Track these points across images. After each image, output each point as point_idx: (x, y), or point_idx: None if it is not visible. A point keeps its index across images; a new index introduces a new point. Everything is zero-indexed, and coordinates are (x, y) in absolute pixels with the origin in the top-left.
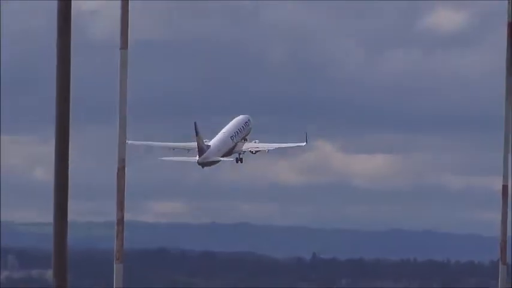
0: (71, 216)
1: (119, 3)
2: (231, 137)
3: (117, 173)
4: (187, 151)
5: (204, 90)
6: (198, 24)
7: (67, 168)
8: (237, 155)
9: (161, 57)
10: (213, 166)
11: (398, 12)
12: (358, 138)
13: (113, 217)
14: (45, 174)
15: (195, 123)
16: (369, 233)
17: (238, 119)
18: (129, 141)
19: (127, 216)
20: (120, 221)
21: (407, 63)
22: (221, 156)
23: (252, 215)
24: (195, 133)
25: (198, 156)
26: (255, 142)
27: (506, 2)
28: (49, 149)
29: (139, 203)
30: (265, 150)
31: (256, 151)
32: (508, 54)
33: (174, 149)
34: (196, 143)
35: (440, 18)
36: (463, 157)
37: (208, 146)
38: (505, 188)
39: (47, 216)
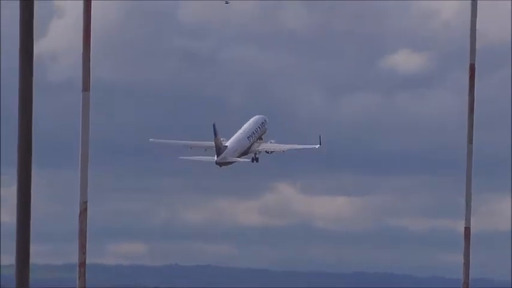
0: (31, 259)
1: (80, 45)
2: (247, 137)
3: (79, 215)
4: (205, 150)
5: (165, 132)
6: (158, 66)
7: (29, 211)
8: (252, 155)
9: (122, 100)
10: (227, 166)
11: (358, 54)
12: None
13: (73, 259)
14: (7, 216)
15: (213, 124)
16: (331, 275)
17: (255, 119)
18: (151, 139)
19: (88, 259)
20: (83, 263)
21: (368, 105)
22: (238, 156)
23: (213, 257)
24: (213, 134)
25: (216, 156)
26: (271, 142)
27: (468, 43)
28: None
29: (100, 245)
30: (280, 151)
31: (272, 151)
32: (470, 96)
33: (191, 148)
34: (214, 143)
35: (402, 60)
36: (426, 199)
37: (226, 147)
38: (467, 230)
39: (8, 259)
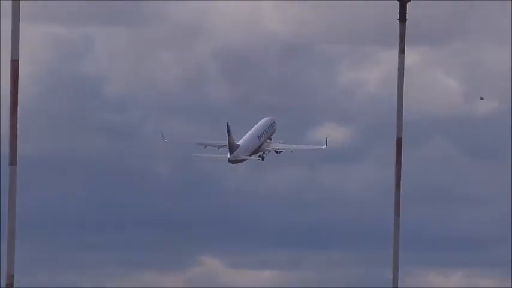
0: None
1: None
2: (258, 136)
3: None
4: (218, 148)
5: (91, 205)
6: (83, 139)
7: None
8: (261, 153)
9: (48, 173)
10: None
11: (284, 127)
12: (245, 253)
13: None
14: None
15: (227, 123)
16: None
17: (265, 120)
18: (166, 139)
19: None
20: None
21: (294, 178)
22: (249, 154)
23: None
24: (227, 133)
25: (229, 154)
26: (279, 142)
27: (395, 117)
28: None
29: None
30: (288, 151)
31: (281, 151)
32: (396, 170)
33: (205, 147)
34: (227, 142)
35: (327, 133)
36: (353, 273)
37: (238, 145)
38: None
39: None
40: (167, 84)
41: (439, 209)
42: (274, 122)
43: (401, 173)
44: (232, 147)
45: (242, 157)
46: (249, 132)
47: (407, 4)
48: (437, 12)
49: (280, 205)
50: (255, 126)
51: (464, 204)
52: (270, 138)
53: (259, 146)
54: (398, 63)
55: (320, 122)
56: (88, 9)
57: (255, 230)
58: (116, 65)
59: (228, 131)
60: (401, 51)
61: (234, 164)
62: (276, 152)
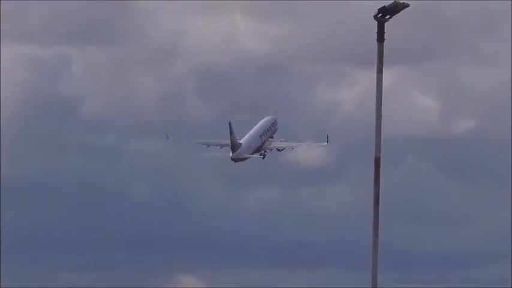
0: None
1: None
2: (260, 135)
3: None
4: (220, 147)
5: (69, 226)
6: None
7: None
8: (262, 152)
9: (25, 194)
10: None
11: None
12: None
13: None
14: None
15: (229, 123)
16: None
17: (266, 119)
18: (170, 138)
19: None
20: None
21: (271, 197)
22: (251, 153)
23: None
24: (229, 132)
25: (231, 152)
26: (281, 141)
27: (374, 137)
28: None
29: None
30: (290, 148)
31: (282, 149)
32: (375, 189)
33: (208, 146)
34: (229, 141)
35: (303, 153)
36: None
37: (240, 144)
38: None
39: None
40: (145, 103)
41: (417, 228)
42: (275, 121)
43: (380, 192)
44: (234, 146)
45: (245, 155)
46: (251, 131)
47: (385, 24)
48: (415, 32)
49: (258, 224)
50: (257, 126)
51: (443, 223)
52: (272, 137)
53: (261, 145)
54: (377, 83)
55: (297, 141)
56: (65, 29)
57: (231, 250)
58: (93, 85)
59: (230, 130)
60: (379, 71)
61: (237, 162)
62: (278, 150)
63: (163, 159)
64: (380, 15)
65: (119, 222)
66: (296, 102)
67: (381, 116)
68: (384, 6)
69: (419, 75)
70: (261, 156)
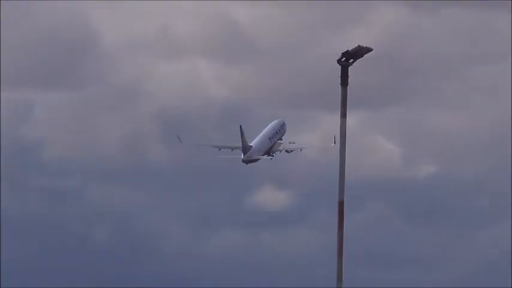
0: None
1: None
2: (269, 138)
3: None
4: (231, 150)
5: (30, 269)
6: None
7: None
8: (271, 153)
9: None
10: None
11: (224, 189)
12: None
13: None
14: None
15: (240, 126)
16: None
17: (275, 122)
18: (181, 142)
19: None
20: None
21: (235, 241)
22: (261, 155)
23: None
24: (240, 135)
25: (243, 155)
26: (290, 143)
27: (337, 180)
28: None
29: None
30: (299, 150)
31: (291, 150)
32: (339, 234)
33: (220, 149)
34: (240, 144)
35: (267, 197)
36: None
37: (251, 146)
38: None
39: None
40: (107, 147)
41: (381, 272)
42: (284, 123)
43: (344, 237)
44: (245, 149)
45: (255, 157)
46: (261, 134)
47: (349, 68)
48: (378, 76)
49: (219, 269)
50: (266, 129)
51: (407, 267)
52: (281, 139)
53: (271, 147)
54: (340, 127)
55: (260, 185)
56: (28, 73)
57: None
58: (55, 129)
59: (241, 133)
60: (343, 115)
61: (248, 164)
62: (287, 151)
63: (126, 202)
64: (344, 59)
65: (79, 267)
66: None
67: (345, 160)
68: (347, 51)
69: (382, 119)
70: (271, 158)
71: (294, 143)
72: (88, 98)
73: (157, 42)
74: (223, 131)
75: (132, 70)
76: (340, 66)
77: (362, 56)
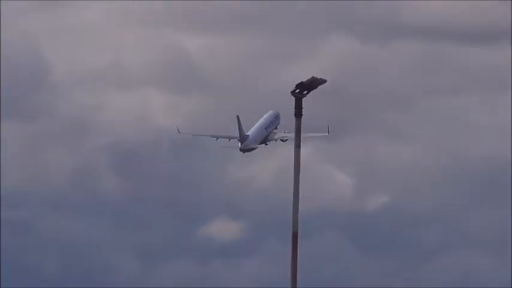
0: None
1: None
2: (265, 128)
3: None
4: (228, 140)
5: None
6: None
7: None
8: (267, 142)
9: None
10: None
11: (175, 221)
12: None
13: None
14: None
15: (237, 116)
16: None
17: (270, 113)
18: (180, 132)
19: None
20: None
21: (185, 273)
22: (258, 144)
23: None
24: (238, 125)
25: (240, 144)
26: (284, 132)
27: (290, 211)
28: None
29: None
30: (293, 139)
31: (286, 139)
32: (292, 265)
33: (217, 139)
34: (238, 134)
35: (220, 227)
36: None
37: (248, 136)
38: None
39: None
40: (59, 179)
41: None
42: (278, 114)
43: (297, 269)
44: (242, 138)
45: (252, 146)
46: (257, 124)
47: (303, 99)
48: (331, 107)
49: None
50: (261, 119)
51: None
52: (276, 128)
53: (267, 136)
54: (294, 157)
55: (212, 216)
56: None
57: None
58: (5, 160)
59: (239, 123)
60: (297, 146)
61: (245, 153)
62: (282, 140)
63: (77, 234)
64: (297, 90)
65: None
66: (211, 178)
67: (299, 191)
68: (301, 82)
69: (335, 150)
70: (265, 145)
71: (288, 132)
72: (39, 129)
73: (108, 73)
74: (176, 163)
75: (83, 101)
76: (294, 98)
77: (316, 87)
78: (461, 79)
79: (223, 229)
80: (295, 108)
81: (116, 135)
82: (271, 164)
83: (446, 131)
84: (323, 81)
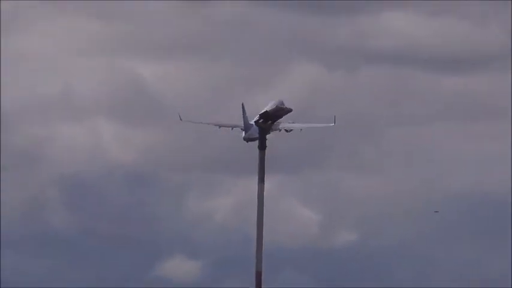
0: None
1: None
2: None
3: None
4: (231, 129)
5: None
6: None
7: None
8: (271, 132)
9: None
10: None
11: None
12: None
13: None
14: None
15: (242, 104)
16: None
17: (274, 103)
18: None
19: None
20: None
21: None
22: None
23: None
24: (242, 113)
25: (244, 133)
26: (289, 122)
27: (252, 249)
28: None
29: None
30: (298, 130)
31: (291, 130)
32: None
33: (220, 127)
34: (241, 123)
35: (178, 266)
36: None
37: (252, 125)
38: None
39: None
40: (7, 212)
41: None
42: (282, 103)
43: None
44: (246, 127)
45: (256, 135)
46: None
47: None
48: (296, 141)
49: None
50: (266, 108)
51: None
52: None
53: (271, 126)
54: (258, 193)
55: (169, 254)
56: None
57: None
58: None
59: (243, 111)
60: (261, 181)
61: (249, 142)
62: (286, 131)
63: (25, 268)
64: (261, 120)
65: None
66: (166, 213)
67: (262, 228)
68: (266, 111)
69: (300, 184)
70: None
71: (293, 122)
72: None
73: (59, 103)
74: (128, 196)
75: (33, 132)
76: (257, 128)
77: (281, 117)
78: (432, 107)
79: (180, 268)
80: (259, 139)
81: (66, 168)
82: (232, 198)
83: (413, 162)
84: (289, 111)
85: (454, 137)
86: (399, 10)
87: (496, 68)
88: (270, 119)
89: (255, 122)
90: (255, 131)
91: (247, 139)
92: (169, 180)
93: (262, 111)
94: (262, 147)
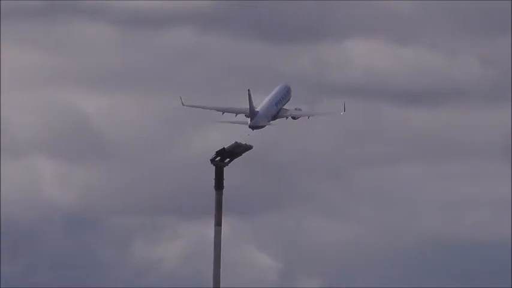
0: None
1: None
2: (275, 103)
3: None
4: (235, 115)
5: None
6: None
7: None
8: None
9: None
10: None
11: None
12: None
13: None
14: None
15: (248, 90)
16: None
17: (280, 87)
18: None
19: None
20: None
21: None
22: (268, 121)
23: None
24: (248, 99)
25: (249, 120)
26: (296, 109)
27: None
28: None
29: None
30: (305, 117)
31: (298, 117)
32: None
33: (223, 113)
34: (246, 108)
35: None
36: None
37: (258, 112)
38: None
39: None
40: None
41: None
42: (289, 89)
43: None
44: (252, 114)
45: (261, 123)
46: (266, 99)
47: (224, 169)
48: (258, 178)
49: None
50: (272, 93)
51: None
52: (288, 101)
53: (277, 113)
54: (215, 237)
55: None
56: None
57: None
58: None
59: (249, 97)
60: (218, 224)
61: (254, 130)
62: (293, 118)
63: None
64: (218, 158)
65: None
66: (110, 260)
67: (220, 274)
68: (223, 148)
69: (259, 227)
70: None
71: (300, 109)
72: None
73: None
74: (68, 241)
75: None
76: (214, 167)
77: (240, 154)
78: (401, 145)
79: None
80: (215, 179)
81: (3, 212)
82: (184, 242)
83: (382, 205)
84: (248, 148)
85: (425, 179)
86: (364, 38)
87: (470, 102)
88: (227, 157)
89: (211, 160)
90: (260, 119)
91: (253, 127)
92: (112, 225)
93: (219, 148)
94: (219, 187)
